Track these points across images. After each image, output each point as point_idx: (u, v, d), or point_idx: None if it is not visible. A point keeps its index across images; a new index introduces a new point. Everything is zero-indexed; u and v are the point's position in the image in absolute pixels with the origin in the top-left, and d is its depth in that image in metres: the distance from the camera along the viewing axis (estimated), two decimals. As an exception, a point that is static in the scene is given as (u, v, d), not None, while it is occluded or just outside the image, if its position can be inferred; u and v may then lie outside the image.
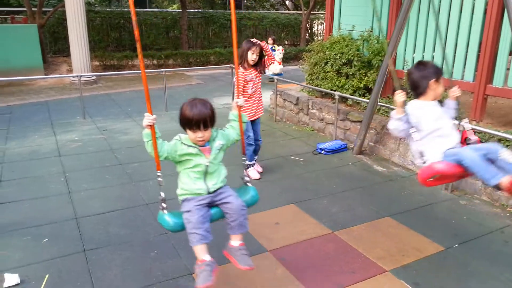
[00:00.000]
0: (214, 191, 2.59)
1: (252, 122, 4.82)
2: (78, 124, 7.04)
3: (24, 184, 4.58)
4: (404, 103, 2.84)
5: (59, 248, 3.36)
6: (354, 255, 3.32)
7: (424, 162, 2.84)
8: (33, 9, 11.71)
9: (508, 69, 4.88)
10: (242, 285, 2.95)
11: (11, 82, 9.95)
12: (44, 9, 12.33)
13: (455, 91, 3.07)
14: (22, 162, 5.23)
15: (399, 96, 2.80)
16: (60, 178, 4.76)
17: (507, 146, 4.39)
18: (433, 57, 5.72)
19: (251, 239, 3.50)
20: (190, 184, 2.55)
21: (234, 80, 4.20)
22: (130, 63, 12.97)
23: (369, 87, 6.21)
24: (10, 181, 4.66)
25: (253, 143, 4.80)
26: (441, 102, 3.02)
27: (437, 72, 2.89)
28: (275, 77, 7.76)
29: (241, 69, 4.66)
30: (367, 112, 5.39)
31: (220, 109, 8.31)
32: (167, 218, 2.55)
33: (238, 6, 20.01)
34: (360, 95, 6.25)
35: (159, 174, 2.54)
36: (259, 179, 4.79)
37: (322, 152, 5.71)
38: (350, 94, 6.21)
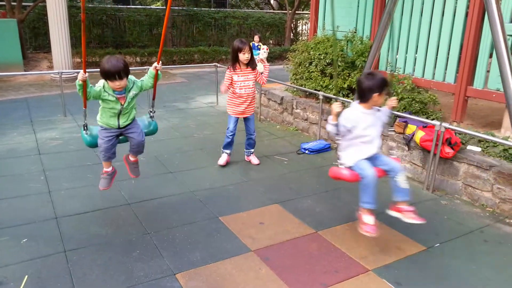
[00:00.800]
0: (124, 127, 3.49)
1: (245, 118, 5.10)
2: (59, 121, 6.91)
3: (2, 183, 4.47)
4: (339, 113, 3.28)
5: (39, 249, 3.28)
6: (337, 255, 3.34)
7: (340, 164, 3.41)
8: (13, 3, 11.43)
9: (488, 71, 4.98)
10: (226, 285, 2.93)
11: (-11, 78, 9.72)
12: (24, 3, 12.06)
13: (393, 101, 3.46)
14: (0, 160, 5.11)
15: (336, 106, 3.27)
16: (40, 176, 4.66)
17: (487, 146, 4.48)
18: (415, 58, 5.80)
19: (235, 239, 3.49)
20: (106, 118, 3.42)
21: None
22: (112, 60, 12.78)
23: (353, 87, 6.26)
24: (-12, 180, 4.54)
25: (230, 136, 5.05)
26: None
27: (382, 86, 3.21)
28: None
29: (227, 71, 4.90)
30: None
31: (204, 108, 8.27)
32: (87, 138, 3.55)
33: (222, 4, 19.94)
34: (344, 95, 6.30)
35: (84, 109, 3.46)
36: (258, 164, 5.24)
37: (306, 151, 5.73)
38: (334, 94, 6.24)
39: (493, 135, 4.47)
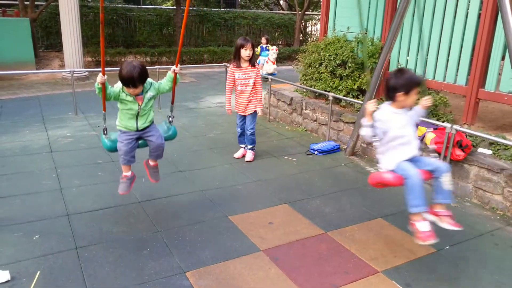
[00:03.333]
0: (143, 129, 3.52)
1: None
2: (70, 120, 6.98)
3: (15, 180, 4.53)
4: (374, 113, 3.10)
5: (51, 245, 3.33)
6: (346, 256, 3.34)
7: (380, 168, 3.25)
8: (26, 2, 11.56)
9: (500, 74, 4.94)
10: (235, 284, 2.95)
11: (1, 76, 9.83)
12: (36, 2, 12.19)
13: (428, 101, 3.21)
14: (13, 157, 5.18)
15: (370, 105, 3.07)
16: (51, 174, 4.71)
17: (498, 149, 4.45)
18: (426, 60, 5.77)
19: (244, 238, 3.51)
20: (125, 121, 3.47)
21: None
22: (123, 59, 12.86)
23: (363, 88, 6.25)
24: (1, 176, 4.60)
25: (239, 131, 5.39)
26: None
27: (409, 85, 2.99)
28: (269, 76, 7.77)
29: (230, 66, 5.11)
30: (361, 114, 5.41)
31: (214, 107, 8.29)
32: (106, 141, 3.59)
33: (232, 5, 19.98)
34: (353, 97, 6.28)
35: (104, 113, 3.57)
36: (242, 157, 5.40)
37: (315, 152, 5.73)
38: (343, 96, 6.24)
39: (504, 138, 4.43)
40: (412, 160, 3.12)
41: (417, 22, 5.79)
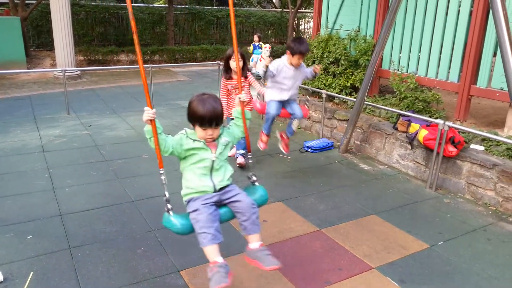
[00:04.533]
0: (221, 189, 2.51)
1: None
2: (62, 119, 6.93)
3: (7, 180, 4.49)
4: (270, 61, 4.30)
5: (44, 245, 3.30)
6: (341, 252, 3.35)
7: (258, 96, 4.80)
8: (16, 1, 11.46)
9: (491, 70, 4.97)
10: (230, 283, 2.94)
11: (-8, 76, 9.74)
12: (27, 1, 12.09)
13: (317, 68, 4.56)
14: (5, 158, 5.13)
15: (267, 60, 4.26)
16: (44, 174, 4.68)
17: (490, 145, 4.48)
18: (418, 57, 5.79)
19: (238, 237, 3.50)
20: (195, 181, 2.47)
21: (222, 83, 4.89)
22: (115, 58, 12.82)
23: (356, 86, 6.26)
24: (-8, 177, 4.56)
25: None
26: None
27: (295, 50, 4.24)
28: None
29: (222, 79, 4.86)
30: (354, 111, 5.43)
31: (207, 106, 8.26)
32: (173, 220, 2.43)
33: (225, 3, 19.91)
34: (346, 94, 6.30)
35: (161, 172, 2.47)
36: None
37: (309, 150, 5.74)
38: (337, 93, 6.25)
39: (496, 134, 4.47)
40: (285, 101, 4.55)
41: (409, 19, 5.80)
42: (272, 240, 3.49)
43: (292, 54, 4.25)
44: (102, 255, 3.20)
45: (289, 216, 3.92)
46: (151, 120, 2.29)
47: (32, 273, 2.96)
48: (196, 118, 2.38)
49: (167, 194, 2.46)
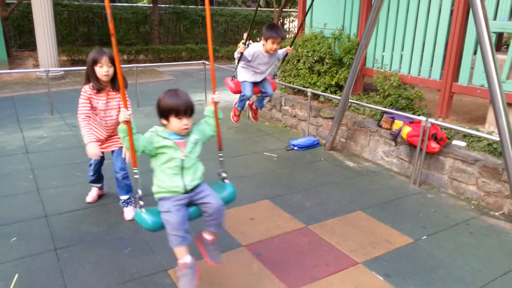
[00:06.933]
0: (192, 190, 2.54)
1: None
2: (46, 120, 6.84)
3: (-10, 182, 4.43)
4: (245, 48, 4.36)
5: (29, 247, 3.26)
6: (327, 248, 3.39)
7: (233, 79, 4.72)
8: (-4, 1, 11.27)
9: (472, 68, 5.07)
10: (217, 280, 2.96)
11: (-27, 77, 9.56)
12: (7, 1, 11.88)
13: (289, 50, 4.78)
14: (-13, 159, 5.05)
15: (242, 47, 4.32)
16: (28, 175, 4.62)
17: (472, 141, 4.57)
18: (401, 55, 5.88)
19: (226, 235, 3.52)
20: (166, 181, 2.49)
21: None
22: (99, 58, 12.66)
23: (341, 84, 6.32)
24: (-25, 179, 4.49)
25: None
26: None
27: (269, 36, 4.31)
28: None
29: (86, 94, 3.78)
30: (339, 109, 5.49)
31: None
32: (145, 217, 2.50)
33: (210, 2, 19.87)
34: (331, 92, 6.35)
35: (135, 171, 2.50)
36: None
37: (295, 148, 5.77)
38: (322, 91, 6.30)
39: (477, 130, 4.56)
40: (258, 82, 4.70)
41: (392, 18, 5.88)
42: (259, 237, 3.51)
43: (266, 39, 4.37)
44: (89, 256, 3.18)
45: (276, 214, 3.95)
46: (126, 121, 2.32)
47: (17, 275, 2.93)
48: (171, 109, 2.42)
49: (140, 192, 2.53)
